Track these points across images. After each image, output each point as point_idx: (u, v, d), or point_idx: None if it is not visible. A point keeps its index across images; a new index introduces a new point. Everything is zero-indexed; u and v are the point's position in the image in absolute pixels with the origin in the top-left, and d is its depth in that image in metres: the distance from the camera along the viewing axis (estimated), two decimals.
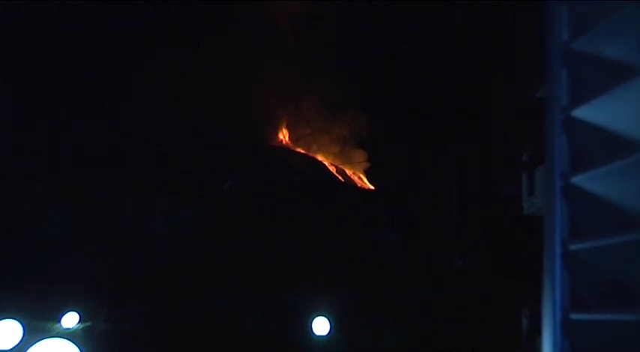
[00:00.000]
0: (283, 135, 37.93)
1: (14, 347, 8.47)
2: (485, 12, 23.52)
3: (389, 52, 27.61)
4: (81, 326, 12.02)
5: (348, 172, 37.27)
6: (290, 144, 37.98)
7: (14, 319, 8.76)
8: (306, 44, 29.98)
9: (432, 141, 24.46)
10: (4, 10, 21.64)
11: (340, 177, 35.80)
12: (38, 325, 10.99)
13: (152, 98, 25.40)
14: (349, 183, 35.49)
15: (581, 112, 1.72)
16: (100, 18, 23.84)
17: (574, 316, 1.67)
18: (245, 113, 31.05)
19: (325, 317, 11.15)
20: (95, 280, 13.85)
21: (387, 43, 27.36)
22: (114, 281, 14.05)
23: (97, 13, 23.36)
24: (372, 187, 35.40)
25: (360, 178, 37.12)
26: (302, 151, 37.81)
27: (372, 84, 28.36)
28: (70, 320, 11.95)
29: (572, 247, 1.69)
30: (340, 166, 36.89)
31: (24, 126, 22.21)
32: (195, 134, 26.17)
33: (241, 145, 30.45)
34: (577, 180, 1.71)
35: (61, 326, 11.72)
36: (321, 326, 11.14)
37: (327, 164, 36.92)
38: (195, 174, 23.47)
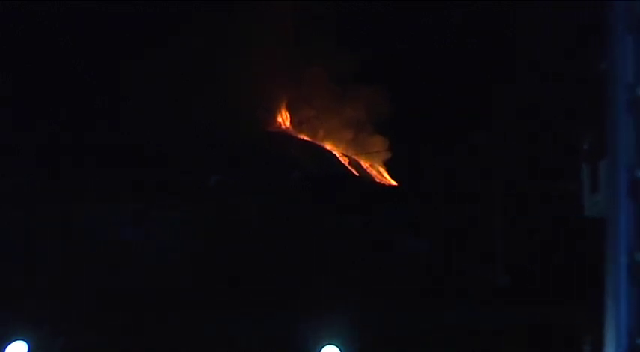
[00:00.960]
0: (282, 118, 38.10)
1: None
2: (485, 12, 27.69)
3: (389, 51, 32.06)
4: None
5: (365, 165, 37.07)
6: (290, 130, 38.04)
7: None
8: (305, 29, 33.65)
9: (460, 134, 27.48)
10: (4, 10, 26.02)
11: (354, 171, 35.66)
12: None
13: (147, 92, 29.31)
14: (365, 178, 35.32)
15: None
16: (97, 17, 28.40)
17: None
18: (235, 90, 32.48)
19: (336, 346, 11.29)
20: (51, 301, 14.21)
21: (387, 42, 31.88)
22: (75, 302, 14.39)
23: (96, 12, 27.80)
24: (394, 183, 35.52)
25: (379, 172, 37.01)
26: (305, 138, 37.69)
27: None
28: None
29: None
30: (354, 157, 36.69)
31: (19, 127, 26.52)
32: (184, 120, 29.64)
33: (231, 131, 31.53)
34: None
35: None
36: None
37: (337, 154, 36.66)
38: (177, 166, 26.28)
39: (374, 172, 37.09)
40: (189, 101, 30.73)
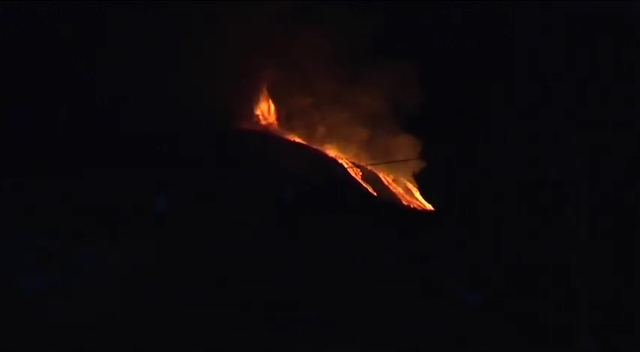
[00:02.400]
0: (262, 109, 38.72)
1: None
2: (485, 12, 35.42)
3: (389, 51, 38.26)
4: None
5: (386, 180, 37.29)
6: (274, 127, 38.13)
7: None
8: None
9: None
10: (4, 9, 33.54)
11: (368, 189, 35.31)
12: None
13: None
14: (386, 199, 34.98)
15: None
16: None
17: None
18: (196, 70, 34.42)
19: None
20: None
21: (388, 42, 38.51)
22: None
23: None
24: (430, 208, 35.79)
25: (408, 191, 37.24)
26: (297, 140, 37.51)
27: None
28: None
29: None
30: (370, 168, 36.51)
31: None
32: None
33: (185, 128, 32.69)
34: None
35: None
36: None
37: (344, 164, 36.71)
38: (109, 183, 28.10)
39: (399, 190, 36.97)
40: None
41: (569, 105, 29.48)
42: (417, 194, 37.95)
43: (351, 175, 36.08)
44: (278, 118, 38.65)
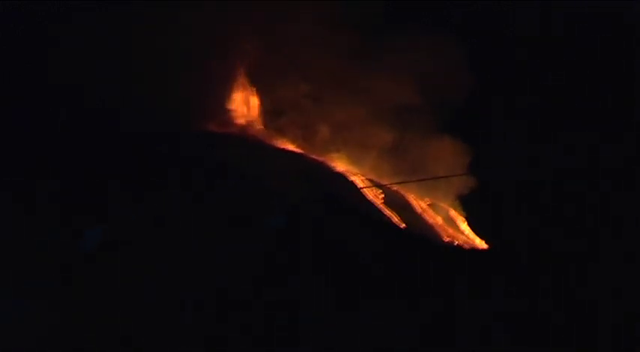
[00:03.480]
0: (244, 105, 38.09)
1: None
2: (485, 12, 41.67)
3: None
4: None
5: (418, 206, 36.68)
6: (260, 129, 37.67)
7: None
8: None
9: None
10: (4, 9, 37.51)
11: (394, 218, 34.49)
12: None
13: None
14: (419, 233, 34.27)
15: None
16: None
17: None
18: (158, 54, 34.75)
19: None
20: None
21: None
22: None
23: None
24: (482, 245, 35.92)
25: (450, 221, 37.06)
26: (291, 148, 36.92)
27: None
28: None
29: None
30: (393, 188, 36.31)
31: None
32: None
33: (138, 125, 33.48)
34: None
35: None
36: None
37: (355, 181, 35.84)
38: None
39: (439, 221, 36.95)
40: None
41: (568, 105, 36.71)
42: (464, 225, 37.15)
43: (367, 198, 34.95)
44: (261, 115, 37.69)
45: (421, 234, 34.09)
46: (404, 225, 34.10)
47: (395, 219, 34.25)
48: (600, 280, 25.32)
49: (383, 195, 35.47)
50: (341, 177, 35.81)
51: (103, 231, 27.45)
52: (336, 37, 37.12)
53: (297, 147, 37.07)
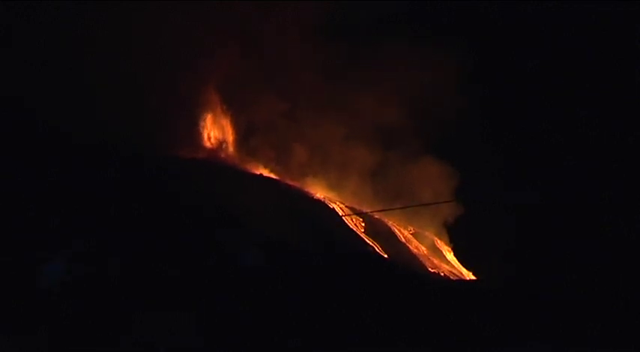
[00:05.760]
0: (213, 126, 36.90)
1: None
2: (486, 12, 42.48)
3: None
4: None
5: (402, 234, 35.57)
6: (231, 152, 36.73)
7: None
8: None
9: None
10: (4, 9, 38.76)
11: (376, 248, 34.33)
12: None
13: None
14: (403, 265, 33.98)
15: None
16: None
17: None
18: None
19: None
20: None
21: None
22: None
23: None
24: (470, 277, 35.73)
25: (437, 251, 36.28)
26: (264, 173, 35.86)
27: None
28: None
29: None
30: (375, 216, 35.32)
31: None
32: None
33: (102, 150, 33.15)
34: None
35: None
36: None
37: (337, 208, 35.33)
38: None
39: (423, 251, 36.23)
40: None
41: (568, 105, 38.54)
42: (451, 256, 36.17)
43: (348, 227, 34.54)
44: (233, 136, 36.38)
45: (405, 265, 33.93)
46: (386, 255, 34.01)
47: (377, 248, 34.13)
48: (589, 313, 24.88)
49: (364, 224, 35.24)
50: (319, 204, 36.18)
51: (65, 266, 26.94)
52: (314, 46, 36.21)
53: (271, 171, 36.22)
